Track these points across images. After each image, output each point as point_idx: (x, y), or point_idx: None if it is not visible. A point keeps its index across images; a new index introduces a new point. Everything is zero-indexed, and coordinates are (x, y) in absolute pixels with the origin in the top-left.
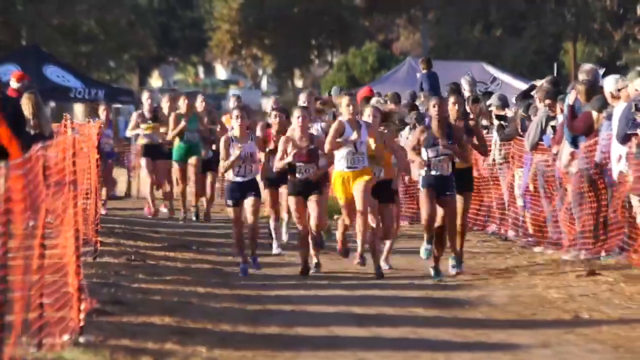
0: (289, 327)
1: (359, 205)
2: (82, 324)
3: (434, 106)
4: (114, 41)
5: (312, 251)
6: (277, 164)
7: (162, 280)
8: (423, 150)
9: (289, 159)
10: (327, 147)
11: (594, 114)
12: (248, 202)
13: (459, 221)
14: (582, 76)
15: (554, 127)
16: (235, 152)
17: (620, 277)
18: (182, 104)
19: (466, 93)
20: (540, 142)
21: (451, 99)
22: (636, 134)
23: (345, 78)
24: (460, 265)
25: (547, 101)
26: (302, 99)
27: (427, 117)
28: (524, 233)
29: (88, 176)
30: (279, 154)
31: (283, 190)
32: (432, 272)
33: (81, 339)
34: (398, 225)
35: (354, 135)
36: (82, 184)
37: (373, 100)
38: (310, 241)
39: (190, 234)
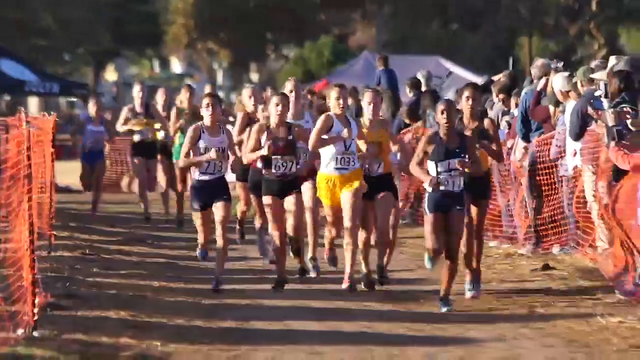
0: (245, 321)
1: (347, 221)
2: (36, 318)
3: (442, 112)
4: (69, 35)
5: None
6: (248, 155)
7: (117, 274)
8: (431, 164)
9: (264, 150)
10: (311, 143)
11: (551, 108)
12: (217, 208)
13: (470, 235)
14: (534, 71)
15: (508, 123)
16: (205, 154)
17: (575, 271)
18: (184, 97)
19: (423, 87)
20: None
21: (465, 93)
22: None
23: (301, 72)
24: (477, 287)
25: (501, 96)
26: (288, 88)
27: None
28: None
29: (43, 170)
30: (250, 144)
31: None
32: (440, 304)
33: (35, 333)
34: (395, 232)
35: (345, 133)
36: (37, 178)
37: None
38: (290, 248)
39: (145, 228)
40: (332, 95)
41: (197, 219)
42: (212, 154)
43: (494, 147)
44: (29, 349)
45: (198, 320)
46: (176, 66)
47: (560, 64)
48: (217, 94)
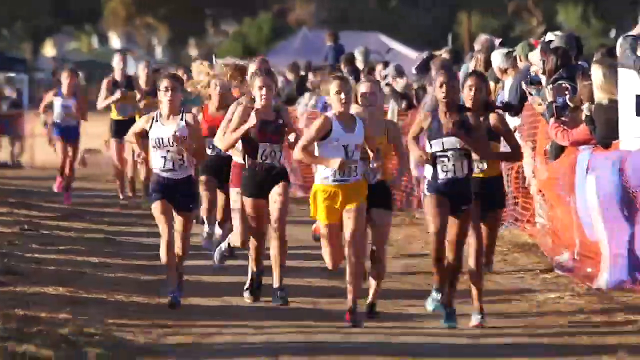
0: (184, 297)
1: (349, 243)
2: None
3: (442, 85)
4: (7, 10)
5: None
6: (229, 136)
7: (56, 250)
8: (427, 142)
9: (251, 121)
10: (297, 153)
11: (491, 84)
12: (179, 222)
13: (479, 250)
14: (477, 46)
15: None
16: (157, 146)
17: (514, 247)
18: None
19: (360, 64)
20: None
21: (468, 81)
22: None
23: (240, 48)
24: (483, 314)
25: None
26: (253, 68)
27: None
28: (419, 203)
29: None
30: (233, 124)
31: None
32: (443, 316)
33: None
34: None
35: (333, 163)
36: None
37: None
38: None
39: (83, 204)
40: (332, 89)
41: (156, 209)
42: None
43: (507, 147)
44: None
45: (137, 296)
46: (115, 42)
47: (497, 41)
48: (178, 75)
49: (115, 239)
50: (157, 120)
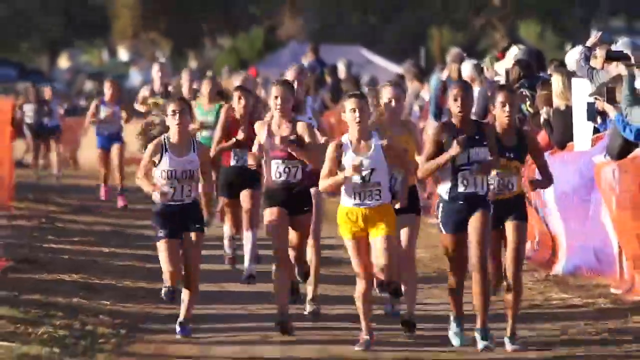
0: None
1: (383, 274)
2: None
3: (456, 99)
4: (23, 25)
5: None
6: (249, 159)
7: (70, 241)
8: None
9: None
10: (322, 185)
11: None
12: (189, 241)
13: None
14: (450, 58)
15: (420, 107)
16: (165, 179)
17: None
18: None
19: (342, 75)
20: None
21: (499, 97)
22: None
23: (235, 61)
24: (490, 337)
25: (414, 82)
26: (289, 76)
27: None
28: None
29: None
30: (255, 145)
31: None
32: (479, 339)
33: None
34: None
35: (347, 171)
36: None
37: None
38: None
39: (95, 199)
40: (348, 107)
41: (161, 250)
42: (160, 194)
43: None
44: None
45: (143, 283)
46: (123, 54)
47: (464, 54)
48: (185, 98)
49: (123, 231)
50: (166, 150)
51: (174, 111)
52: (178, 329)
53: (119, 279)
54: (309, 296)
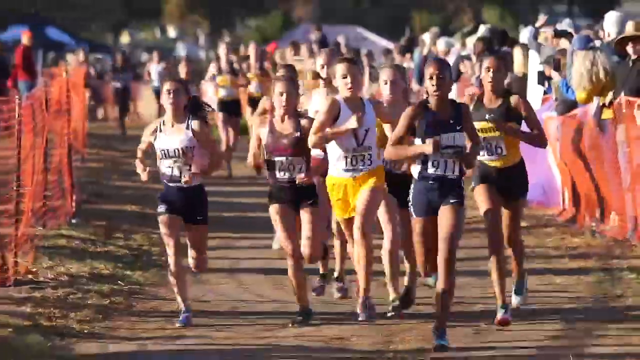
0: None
1: (357, 224)
2: (73, 210)
3: (431, 77)
4: (93, 9)
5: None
6: (312, 138)
7: (130, 179)
8: (417, 142)
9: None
10: (311, 139)
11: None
12: (192, 234)
13: (510, 238)
14: (428, 36)
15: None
16: (162, 158)
17: None
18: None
19: (343, 49)
20: None
21: (485, 63)
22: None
23: (260, 38)
24: (507, 307)
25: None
26: (320, 61)
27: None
28: None
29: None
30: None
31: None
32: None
33: (73, 221)
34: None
35: (351, 122)
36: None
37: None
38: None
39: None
40: (339, 71)
41: (161, 224)
42: (186, 177)
43: (528, 129)
44: (69, 231)
45: None
46: (171, 32)
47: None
48: (182, 79)
49: None
50: (160, 130)
51: (168, 90)
52: (180, 317)
53: None
54: (335, 274)
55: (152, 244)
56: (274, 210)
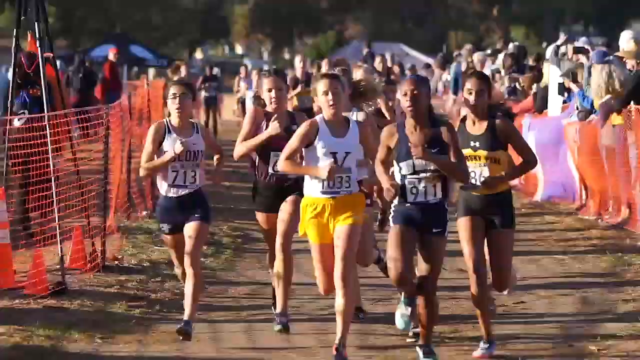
0: None
1: (337, 270)
2: (152, 204)
3: (405, 94)
4: (172, 30)
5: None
6: (242, 145)
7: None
8: (395, 166)
9: (272, 128)
10: (279, 163)
11: None
12: (188, 229)
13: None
14: (464, 52)
15: (444, 85)
16: (170, 150)
17: None
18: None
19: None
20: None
21: (467, 84)
22: None
23: (315, 53)
24: (492, 345)
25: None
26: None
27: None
28: None
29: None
30: (243, 131)
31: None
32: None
33: (154, 214)
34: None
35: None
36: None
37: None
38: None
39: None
40: (320, 88)
41: (168, 245)
42: (178, 146)
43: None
44: (148, 223)
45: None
46: (238, 49)
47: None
48: (189, 82)
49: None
50: (169, 132)
51: (174, 94)
52: (183, 324)
53: (237, 204)
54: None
55: (223, 234)
56: (260, 218)
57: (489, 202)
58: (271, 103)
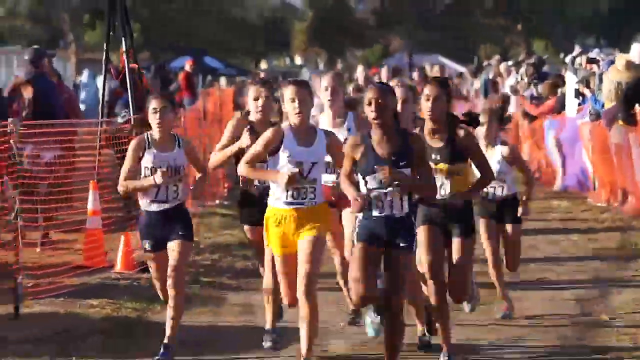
0: None
1: (301, 286)
2: (225, 193)
3: (370, 103)
4: (240, 44)
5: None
6: (212, 158)
7: None
8: (360, 178)
9: (243, 140)
10: (240, 167)
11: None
12: (171, 249)
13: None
14: (493, 62)
15: (476, 90)
16: (151, 177)
17: None
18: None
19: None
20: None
21: (425, 90)
22: None
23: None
24: (451, 357)
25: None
26: (324, 83)
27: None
28: None
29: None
30: (222, 141)
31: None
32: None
33: (225, 202)
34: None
35: (157, 177)
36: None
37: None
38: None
39: None
40: (286, 96)
41: (150, 265)
42: (158, 176)
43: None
44: (222, 209)
45: None
46: (298, 60)
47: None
48: (170, 95)
49: None
50: (149, 147)
51: (154, 109)
52: (161, 350)
53: None
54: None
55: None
56: (248, 230)
57: (449, 212)
58: (256, 112)
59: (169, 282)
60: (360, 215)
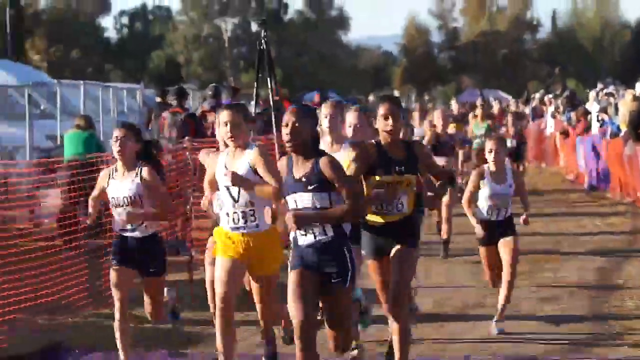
0: None
1: (261, 315)
2: None
3: (286, 125)
4: (354, 83)
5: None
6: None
7: None
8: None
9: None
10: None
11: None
12: (145, 284)
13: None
14: (538, 96)
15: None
16: (113, 204)
17: None
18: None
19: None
20: None
21: (380, 109)
22: None
23: (444, 97)
24: None
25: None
26: (323, 112)
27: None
28: None
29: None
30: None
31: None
32: None
33: None
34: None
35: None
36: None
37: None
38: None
39: None
40: (220, 119)
41: (111, 278)
42: (122, 217)
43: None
44: None
45: None
46: (395, 93)
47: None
48: (132, 124)
49: None
50: (113, 177)
51: (116, 137)
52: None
53: None
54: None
55: None
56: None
57: (395, 226)
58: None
59: (149, 312)
60: (292, 234)
